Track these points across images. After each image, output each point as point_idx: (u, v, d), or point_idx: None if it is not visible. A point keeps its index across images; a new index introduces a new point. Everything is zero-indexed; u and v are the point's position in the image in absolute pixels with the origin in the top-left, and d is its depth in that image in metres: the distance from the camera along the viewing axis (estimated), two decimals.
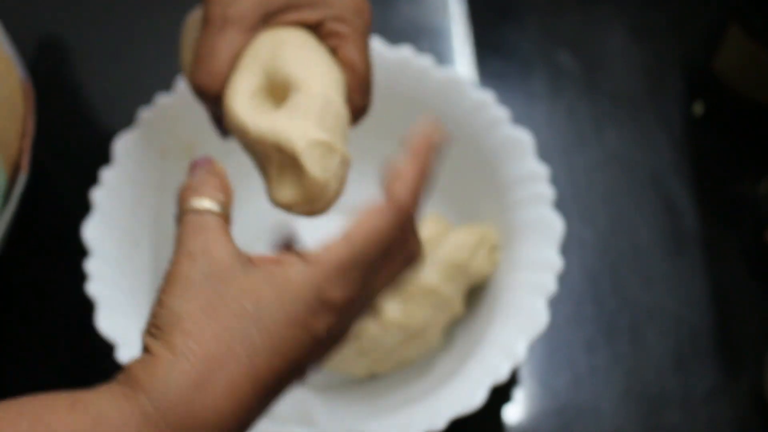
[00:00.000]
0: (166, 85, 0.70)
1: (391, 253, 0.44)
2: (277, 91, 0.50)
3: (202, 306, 0.41)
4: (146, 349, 0.41)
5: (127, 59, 0.84)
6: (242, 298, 0.41)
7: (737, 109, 0.79)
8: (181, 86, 0.69)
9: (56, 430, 0.38)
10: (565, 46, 0.84)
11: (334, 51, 0.53)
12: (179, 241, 0.43)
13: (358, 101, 0.53)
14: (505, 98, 0.72)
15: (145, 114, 0.68)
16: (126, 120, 0.70)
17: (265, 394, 0.41)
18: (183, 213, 0.44)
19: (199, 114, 0.60)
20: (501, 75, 0.83)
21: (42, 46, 0.82)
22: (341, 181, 0.48)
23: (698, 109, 0.81)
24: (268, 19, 0.52)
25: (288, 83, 0.49)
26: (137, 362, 0.41)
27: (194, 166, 0.46)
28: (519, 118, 0.72)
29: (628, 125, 0.81)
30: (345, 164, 0.48)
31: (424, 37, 0.84)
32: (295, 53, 0.50)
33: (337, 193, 0.48)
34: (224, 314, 0.41)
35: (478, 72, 0.82)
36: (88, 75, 0.82)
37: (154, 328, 0.41)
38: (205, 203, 0.44)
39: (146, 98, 0.70)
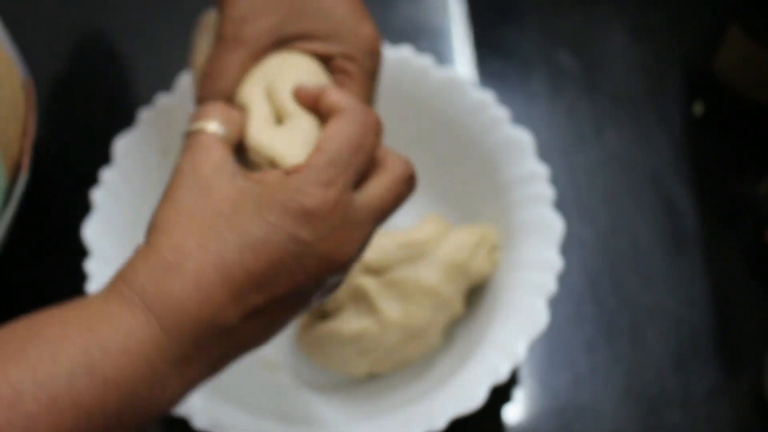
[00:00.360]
0: (166, 85, 0.70)
1: (367, 151, 0.47)
2: (279, 109, 0.51)
3: (180, 211, 0.44)
4: None
5: (127, 59, 0.84)
6: (220, 203, 0.44)
7: (737, 109, 0.79)
8: (181, 86, 0.69)
9: (50, 323, 0.41)
10: (565, 46, 0.84)
11: (339, 87, 0.54)
12: (177, 161, 0.47)
13: None
14: (505, 98, 0.72)
15: (145, 114, 0.68)
16: (126, 120, 0.70)
17: (238, 291, 0.43)
18: (185, 136, 0.47)
19: None
20: (501, 75, 0.83)
21: (42, 46, 0.82)
22: None
23: (698, 109, 0.81)
24: (280, 45, 0.53)
25: (290, 107, 0.50)
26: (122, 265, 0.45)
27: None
28: (519, 118, 0.72)
29: (628, 125, 0.81)
30: None
31: (424, 37, 0.84)
32: (303, 80, 0.51)
33: None
34: (199, 216, 0.44)
35: (478, 72, 0.82)
36: (88, 75, 0.82)
37: (144, 239, 0.45)
38: (204, 125, 0.47)
39: (146, 98, 0.70)
